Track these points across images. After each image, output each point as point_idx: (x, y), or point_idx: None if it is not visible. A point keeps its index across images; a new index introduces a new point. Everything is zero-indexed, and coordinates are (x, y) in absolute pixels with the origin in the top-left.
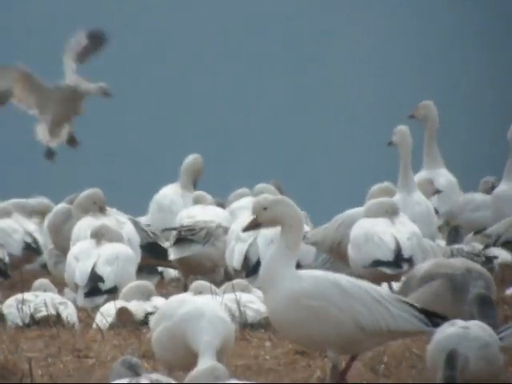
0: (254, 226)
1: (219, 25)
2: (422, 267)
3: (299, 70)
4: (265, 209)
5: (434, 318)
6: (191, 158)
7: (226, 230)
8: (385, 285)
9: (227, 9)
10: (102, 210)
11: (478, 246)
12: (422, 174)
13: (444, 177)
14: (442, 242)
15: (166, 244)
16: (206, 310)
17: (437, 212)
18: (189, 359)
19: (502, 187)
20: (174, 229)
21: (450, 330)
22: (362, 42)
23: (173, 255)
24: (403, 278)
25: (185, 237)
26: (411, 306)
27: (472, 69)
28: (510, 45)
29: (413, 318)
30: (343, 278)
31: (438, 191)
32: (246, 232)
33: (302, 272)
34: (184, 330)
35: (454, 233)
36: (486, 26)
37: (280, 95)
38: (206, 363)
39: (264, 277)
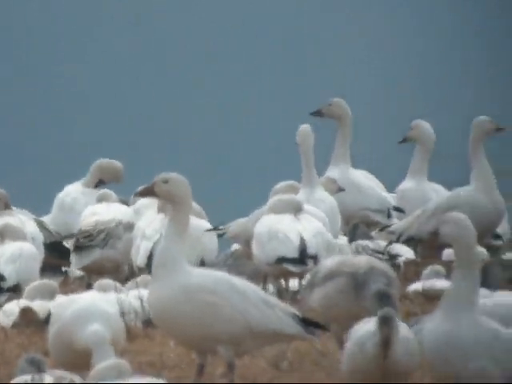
0: (148, 192)
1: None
2: (326, 264)
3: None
4: (165, 182)
5: (313, 326)
6: (105, 161)
7: (128, 227)
8: (295, 281)
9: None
10: (6, 207)
11: (384, 243)
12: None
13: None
14: (345, 239)
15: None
16: (91, 307)
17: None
18: (84, 359)
19: (406, 184)
20: (72, 236)
21: (368, 325)
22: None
23: (73, 265)
24: (308, 276)
25: (83, 244)
26: (293, 312)
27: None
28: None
29: (295, 324)
30: (234, 278)
31: (341, 189)
32: (139, 197)
33: (193, 268)
34: (72, 330)
35: (353, 230)
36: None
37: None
38: (102, 357)
39: (157, 266)
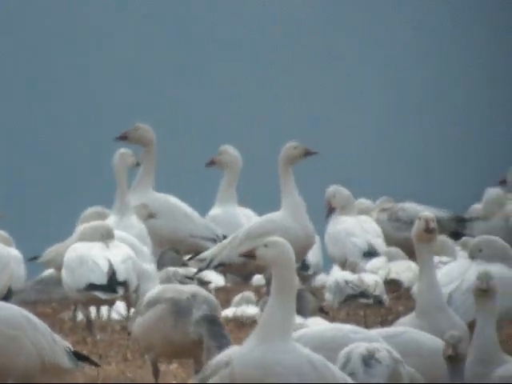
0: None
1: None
2: (150, 292)
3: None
4: None
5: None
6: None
7: None
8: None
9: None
10: None
11: (194, 270)
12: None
13: None
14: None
15: None
16: None
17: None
18: None
19: (215, 210)
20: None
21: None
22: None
23: None
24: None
25: None
26: (68, 346)
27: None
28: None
29: (67, 358)
30: (27, 312)
31: (151, 215)
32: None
33: None
34: None
35: (161, 257)
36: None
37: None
38: None
39: None
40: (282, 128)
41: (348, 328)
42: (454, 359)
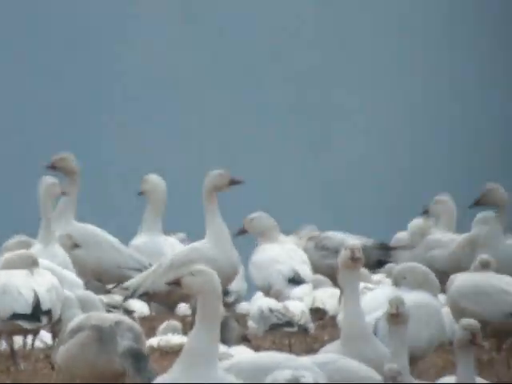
0: None
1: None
2: (74, 320)
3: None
4: None
5: None
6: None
7: None
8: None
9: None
10: None
11: (119, 298)
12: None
13: None
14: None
15: None
16: None
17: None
18: None
19: (139, 239)
20: None
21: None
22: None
23: None
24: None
25: None
26: None
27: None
28: None
29: None
30: None
31: (76, 245)
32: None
33: None
34: None
35: (85, 285)
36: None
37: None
38: None
39: None
40: (208, 155)
41: (282, 356)
42: None
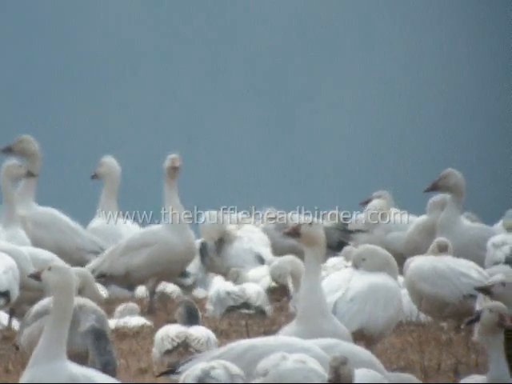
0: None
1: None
2: (38, 303)
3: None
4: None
5: None
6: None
7: None
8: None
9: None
10: None
11: None
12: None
13: None
14: None
15: None
16: None
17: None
18: None
19: (96, 221)
20: None
21: None
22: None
23: None
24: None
25: None
26: None
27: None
28: None
29: None
30: None
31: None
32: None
33: None
34: None
35: None
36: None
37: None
38: None
39: None
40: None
41: (287, 340)
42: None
